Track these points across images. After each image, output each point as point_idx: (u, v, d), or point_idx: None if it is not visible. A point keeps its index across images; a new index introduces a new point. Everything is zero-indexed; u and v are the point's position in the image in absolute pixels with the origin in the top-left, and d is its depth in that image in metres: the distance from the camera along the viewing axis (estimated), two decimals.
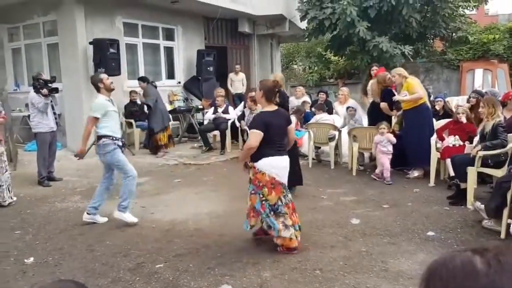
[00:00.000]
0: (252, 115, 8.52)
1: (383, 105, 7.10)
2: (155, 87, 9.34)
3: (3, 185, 5.85)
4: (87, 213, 5.09)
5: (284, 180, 4.14)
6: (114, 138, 4.98)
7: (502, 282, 0.74)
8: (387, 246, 4.20)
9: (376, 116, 7.21)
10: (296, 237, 4.10)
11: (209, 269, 3.79)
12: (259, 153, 4.02)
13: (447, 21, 13.21)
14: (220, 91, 9.83)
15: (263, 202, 4.06)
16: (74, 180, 7.19)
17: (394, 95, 6.96)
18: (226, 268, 3.78)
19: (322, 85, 15.17)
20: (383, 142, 6.67)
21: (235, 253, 4.11)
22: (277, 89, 4.23)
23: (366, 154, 7.65)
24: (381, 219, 4.96)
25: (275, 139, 4.09)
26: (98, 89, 5.09)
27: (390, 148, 6.65)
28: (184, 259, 4.02)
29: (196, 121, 10.67)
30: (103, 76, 5.12)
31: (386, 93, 7.13)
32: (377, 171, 6.79)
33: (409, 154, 6.79)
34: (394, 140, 6.62)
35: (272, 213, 4.06)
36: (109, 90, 5.10)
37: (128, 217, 5.00)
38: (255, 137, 3.97)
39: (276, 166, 4.06)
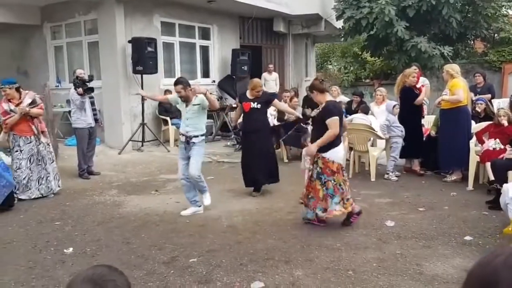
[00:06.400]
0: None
1: (419, 100, 6.98)
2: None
3: (49, 176, 6.08)
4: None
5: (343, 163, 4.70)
6: None
7: None
8: (422, 249, 4.12)
9: (403, 118, 7.02)
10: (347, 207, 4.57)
11: (241, 265, 3.82)
12: (328, 144, 4.37)
13: (489, 21, 12.77)
14: None
15: (337, 186, 4.49)
16: (111, 175, 7.38)
17: (413, 94, 6.91)
18: (259, 265, 3.80)
19: (357, 85, 14.93)
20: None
21: (267, 250, 4.12)
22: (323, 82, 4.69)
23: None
24: (417, 222, 4.87)
25: (341, 128, 4.50)
26: None
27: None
28: (217, 254, 4.06)
29: (229, 120, 10.74)
30: None
31: (405, 91, 6.98)
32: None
33: (442, 155, 6.61)
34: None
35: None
36: None
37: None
38: (337, 124, 4.36)
39: (340, 153, 4.54)
